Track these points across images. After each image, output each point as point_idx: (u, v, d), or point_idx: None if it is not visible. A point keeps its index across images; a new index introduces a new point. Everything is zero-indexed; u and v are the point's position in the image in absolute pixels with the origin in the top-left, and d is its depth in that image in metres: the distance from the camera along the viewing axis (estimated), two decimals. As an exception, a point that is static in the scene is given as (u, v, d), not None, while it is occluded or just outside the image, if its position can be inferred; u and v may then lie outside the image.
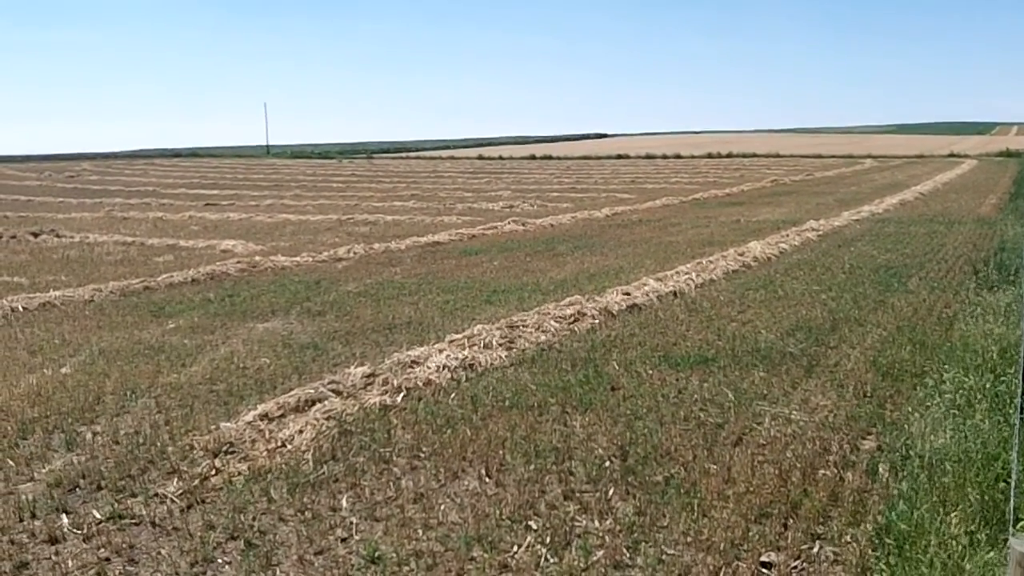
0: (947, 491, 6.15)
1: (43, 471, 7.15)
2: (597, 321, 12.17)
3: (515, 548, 5.69)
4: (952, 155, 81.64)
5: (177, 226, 27.97)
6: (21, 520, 6.28)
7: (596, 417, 8.15)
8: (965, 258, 17.93)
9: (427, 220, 28.33)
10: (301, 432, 7.78)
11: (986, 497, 5.96)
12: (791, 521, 5.99)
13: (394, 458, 7.29)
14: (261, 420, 8.11)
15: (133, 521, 6.24)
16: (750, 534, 5.79)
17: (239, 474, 7.00)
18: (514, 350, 10.60)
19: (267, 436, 7.74)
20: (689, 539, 5.76)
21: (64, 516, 6.30)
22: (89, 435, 7.98)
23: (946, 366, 9.42)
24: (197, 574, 5.50)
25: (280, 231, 26.04)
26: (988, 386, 8.48)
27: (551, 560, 5.53)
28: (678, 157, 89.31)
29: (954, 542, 5.39)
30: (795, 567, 5.43)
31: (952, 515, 5.74)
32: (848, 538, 5.69)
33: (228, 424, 8.00)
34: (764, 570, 5.40)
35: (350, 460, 7.24)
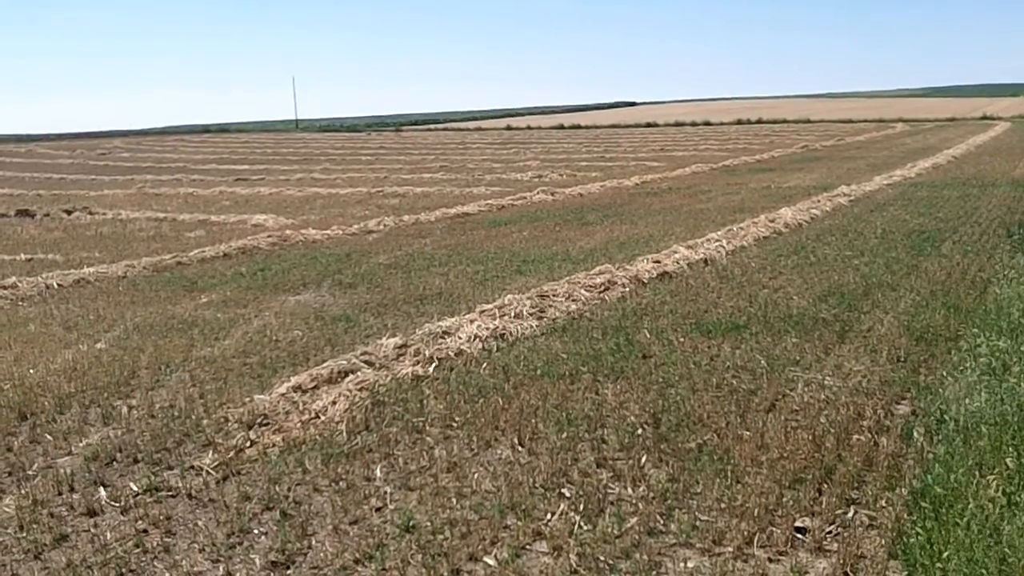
0: (983, 454, 6.11)
1: (81, 445, 7.23)
2: (627, 289, 12.15)
3: (548, 516, 5.71)
4: (985, 117, 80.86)
5: (208, 201, 28.09)
6: (60, 493, 6.35)
7: (628, 385, 8.14)
8: (999, 221, 17.74)
9: (456, 191, 28.31)
10: (334, 403, 7.82)
11: (1023, 460, 5.92)
12: (825, 486, 5.97)
13: (427, 428, 7.31)
14: (294, 392, 8.14)
15: (170, 493, 6.30)
16: (784, 500, 5.77)
17: (273, 445, 7.04)
18: (545, 319, 10.59)
19: (300, 408, 7.78)
20: (723, 505, 5.76)
21: (102, 489, 6.36)
22: (125, 409, 8.05)
23: (980, 329, 9.34)
24: (233, 544, 5.55)
25: (310, 205, 26.11)
26: (1023, 348, 8.41)
27: (584, 527, 5.54)
28: (707, 124, 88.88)
29: (991, 505, 5.36)
30: (830, 532, 5.41)
31: (989, 478, 5.70)
32: (883, 503, 5.66)
33: (262, 396, 8.05)
34: (798, 535, 5.38)
35: (383, 430, 7.27)
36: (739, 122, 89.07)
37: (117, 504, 6.13)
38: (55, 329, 11.19)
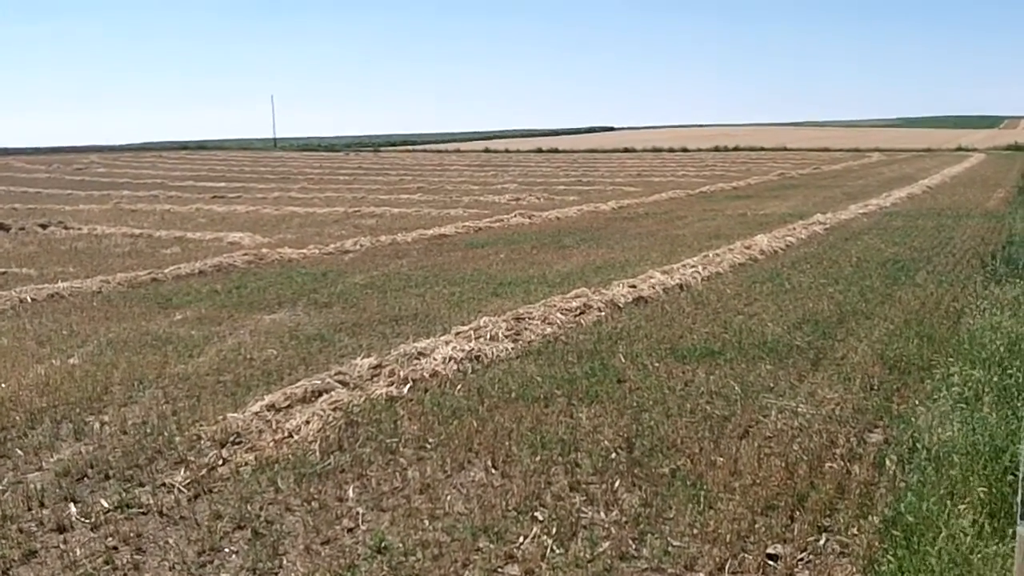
0: (954, 483, 6.14)
1: (51, 460, 7.17)
2: (603, 314, 12.17)
3: (521, 539, 5.70)
4: (960, 149, 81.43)
5: (184, 218, 27.98)
6: (30, 509, 6.30)
7: (602, 409, 8.15)
8: (973, 251, 17.89)
9: (433, 213, 28.31)
10: (308, 423, 7.79)
11: (994, 490, 5.95)
12: (797, 513, 5.99)
13: (400, 449, 7.29)
14: (268, 411, 8.12)
15: (141, 510, 6.26)
16: (756, 526, 5.79)
17: (246, 464, 7.01)
18: (520, 342, 10.60)
19: (274, 427, 7.76)
20: (695, 531, 5.76)
21: (72, 505, 6.32)
22: (97, 425, 8.00)
23: (953, 359, 9.41)
24: (204, 563, 5.51)
25: (287, 223, 26.05)
26: (995, 379, 8.48)
27: (557, 551, 5.53)
28: (684, 150, 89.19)
29: (962, 534, 5.39)
30: (801, 559, 5.43)
31: (960, 507, 5.74)
32: (855, 530, 5.69)
33: (235, 415, 8.02)
34: (770, 562, 5.40)
35: (357, 451, 7.25)
36: (716, 149, 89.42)
37: (87, 520, 6.09)
38: (28, 344, 11.11)
